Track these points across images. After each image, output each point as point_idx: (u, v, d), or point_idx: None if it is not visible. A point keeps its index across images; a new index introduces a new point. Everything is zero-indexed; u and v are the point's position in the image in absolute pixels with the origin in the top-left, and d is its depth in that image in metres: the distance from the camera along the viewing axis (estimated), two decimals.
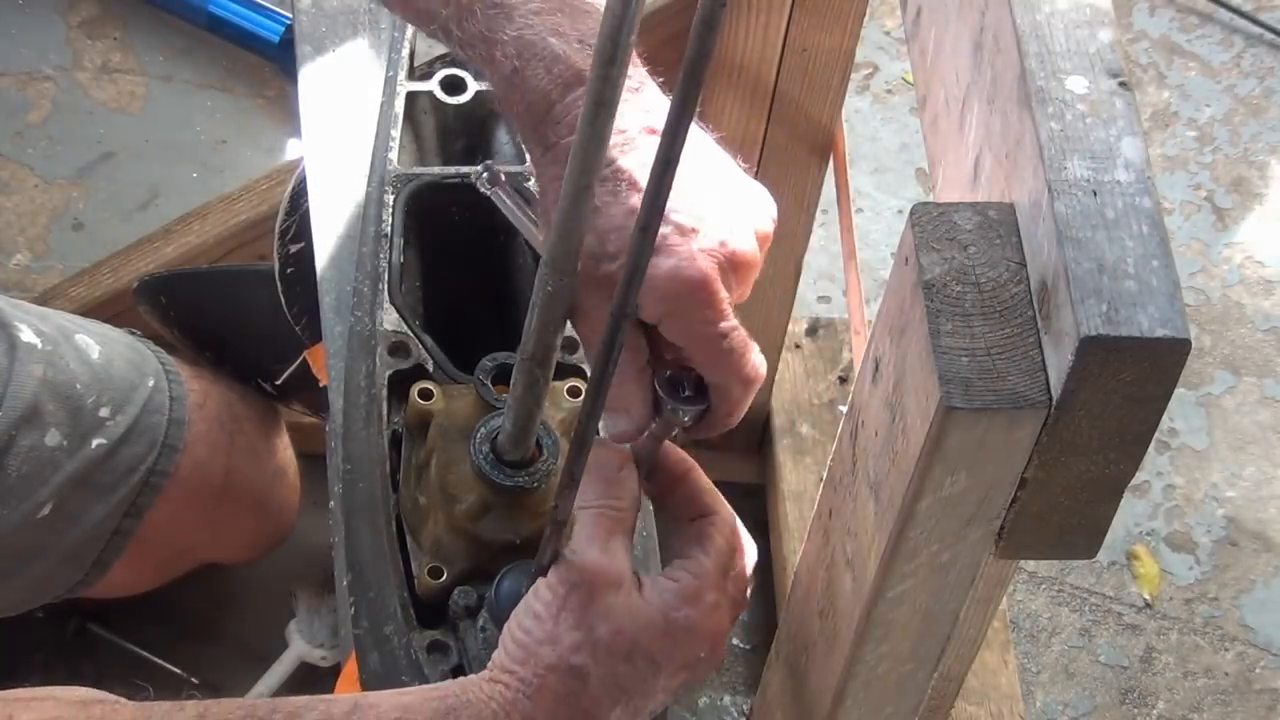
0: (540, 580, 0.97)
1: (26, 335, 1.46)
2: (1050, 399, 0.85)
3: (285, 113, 2.36)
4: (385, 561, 1.09)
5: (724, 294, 0.94)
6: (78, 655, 1.90)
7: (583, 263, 0.91)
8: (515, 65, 0.96)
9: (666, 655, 0.94)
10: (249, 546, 1.82)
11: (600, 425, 0.94)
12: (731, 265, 0.94)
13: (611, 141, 0.86)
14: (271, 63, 2.39)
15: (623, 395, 0.96)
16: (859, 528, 1.02)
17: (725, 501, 1.02)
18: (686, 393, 0.97)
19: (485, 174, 1.06)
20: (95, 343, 1.53)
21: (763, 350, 0.98)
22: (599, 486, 0.97)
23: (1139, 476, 2.09)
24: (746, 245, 0.95)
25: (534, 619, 0.95)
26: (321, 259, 1.25)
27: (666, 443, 1.02)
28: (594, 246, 0.93)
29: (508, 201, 1.06)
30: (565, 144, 0.95)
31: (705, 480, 1.02)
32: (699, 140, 0.98)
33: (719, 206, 0.95)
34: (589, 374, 0.97)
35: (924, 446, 0.88)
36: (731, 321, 0.94)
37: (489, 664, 0.96)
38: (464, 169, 1.26)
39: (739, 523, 1.02)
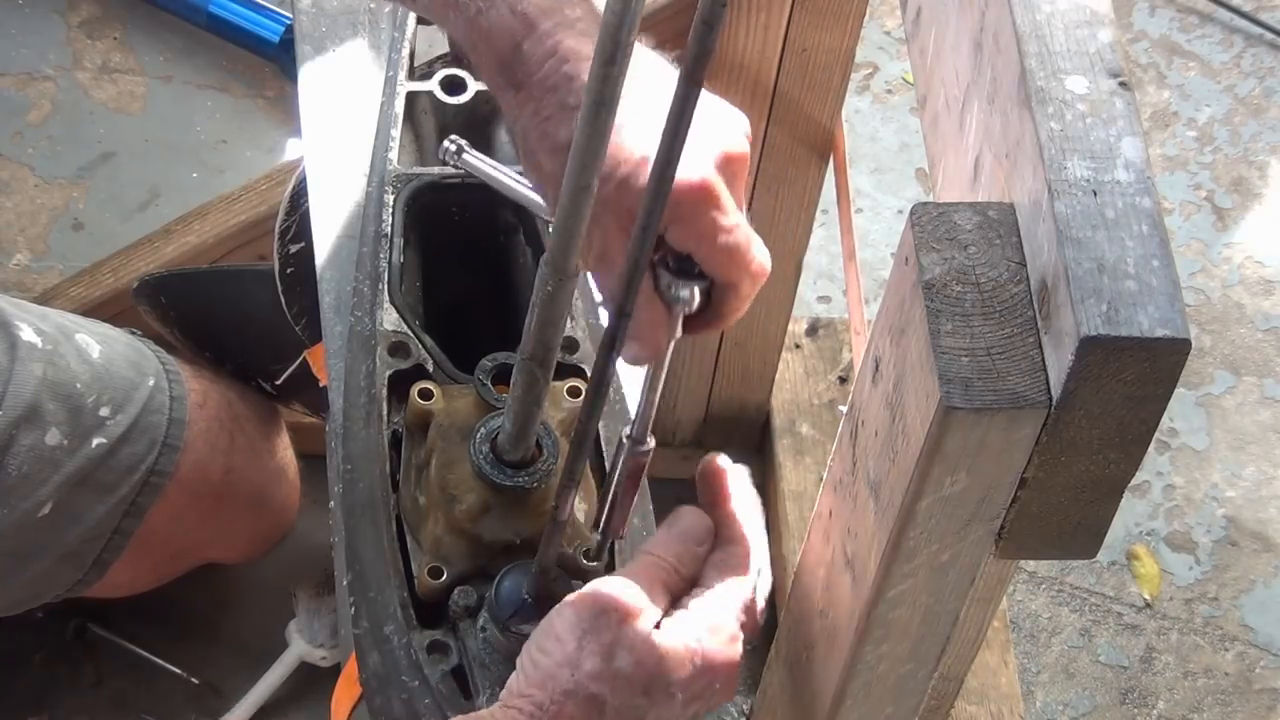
0: (565, 602, 0.96)
1: (27, 334, 1.46)
2: (1050, 399, 0.85)
3: (285, 113, 2.36)
4: (385, 561, 1.09)
5: (725, 192, 0.94)
6: (78, 656, 1.90)
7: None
8: (479, 6, 0.96)
9: (684, 687, 0.94)
10: (249, 546, 1.82)
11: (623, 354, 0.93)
12: (726, 164, 0.94)
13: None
14: (271, 63, 2.39)
15: (642, 321, 0.94)
16: (859, 528, 1.02)
17: (756, 528, 1.02)
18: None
19: (451, 147, 1.06)
20: (95, 342, 1.53)
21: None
22: (675, 549, 0.99)
23: (1139, 476, 2.09)
24: (738, 144, 0.95)
25: (555, 641, 0.94)
26: (321, 259, 1.25)
27: (713, 467, 1.03)
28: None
29: (482, 167, 1.07)
30: (537, 80, 0.95)
31: (742, 506, 1.03)
32: (669, 73, 0.98)
33: (702, 120, 0.94)
34: (589, 374, 0.97)
35: (924, 446, 0.88)
36: (734, 219, 0.94)
37: (503, 692, 0.96)
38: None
39: (764, 551, 1.02)
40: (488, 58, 0.97)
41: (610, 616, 0.94)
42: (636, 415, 0.97)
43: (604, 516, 1.01)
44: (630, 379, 1.20)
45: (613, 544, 1.09)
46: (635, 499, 1.00)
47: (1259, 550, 2.12)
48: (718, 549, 1.01)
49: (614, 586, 0.95)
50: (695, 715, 0.97)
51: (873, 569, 0.99)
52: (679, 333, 0.96)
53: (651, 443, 0.98)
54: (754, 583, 1.00)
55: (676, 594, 0.98)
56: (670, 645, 0.94)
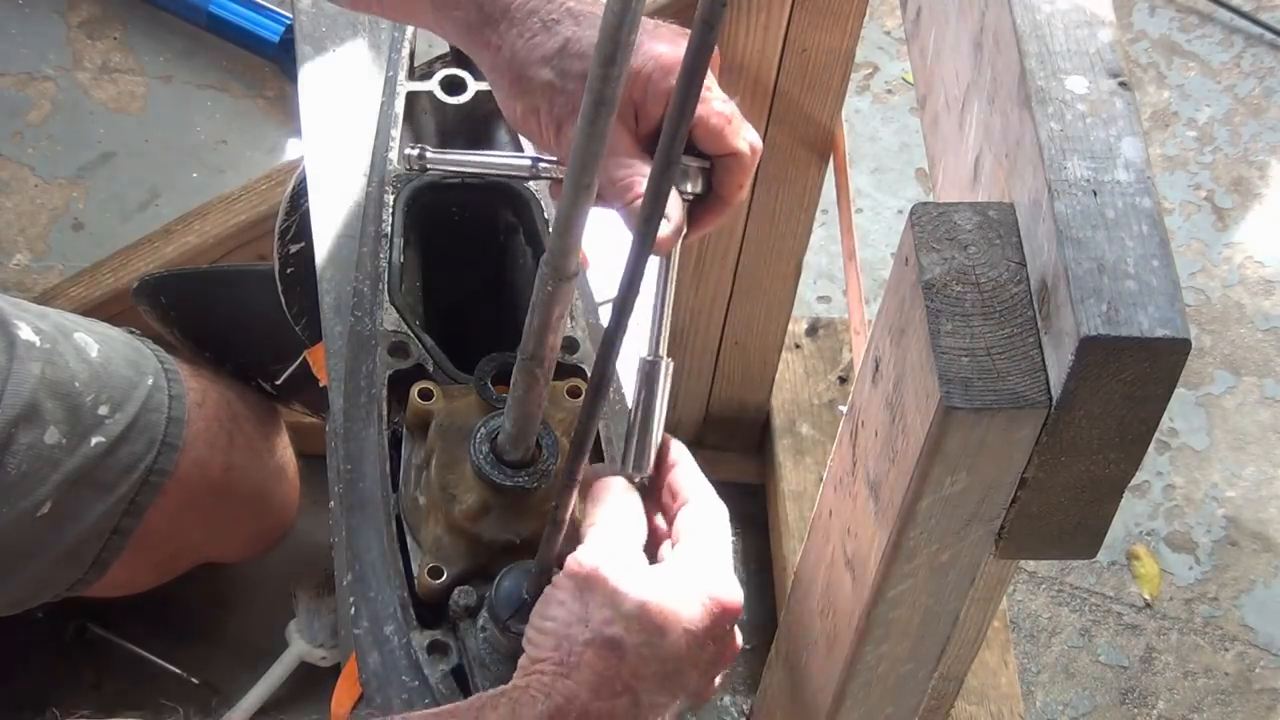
0: (556, 577, 0.97)
1: (25, 333, 1.46)
2: (1050, 399, 0.85)
3: (285, 113, 2.36)
4: (385, 561, 1.09)
5: (709, 71, 0.99)
6: (78, 656, 1.90)
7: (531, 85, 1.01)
8: None
9: (698, 624, 0.94)
10: (248, 545, 1.82)
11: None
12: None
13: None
14: (271, 63, 2.39)
15: (625, 166, 1.00)
16: (859, 528, 1.02)
17: (705, 486, 1.02)
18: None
19: (413, 153, 1.08)
20: (94, 341, 1.53)
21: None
22: (617, 515, 0.99)
23: (1139, 476, 2.09)
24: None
25: (557, 605, 0.95)
26: (321, 259, 1.25)
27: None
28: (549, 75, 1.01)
29: (451, 158, 1.10)
30: (516, 6, 1.02)
31: (692, 468, 1.03)
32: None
33: (670, 29, 1.04)
34: (589, 374, 0.97)
35: (924, 446, 0.88)
36: (722, 97, 1.02)
37: (516, 670, 0.96)
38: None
39: (722, 508, 1.02)
40: (465, 3, 1.03)
41: (604, 569, 0.94)
42: (655, 325, 1.00)
43: (633, 450, 1.00)
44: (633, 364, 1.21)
45: None
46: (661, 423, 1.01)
47: (1259, 550, 2.12)
48: (681, 509, 1.01)
49: (596, 547, 0.96)
50: (719, 662, 0.97)
51: (873, 569, 0.99)
52: (685, 227, 1.01)
53: (669, 360, 1.01)
54: (728, 532, 1.00)
55: (640, 541, 0.99)
56: (673, 583, 0.95)
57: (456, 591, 1.06)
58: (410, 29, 1.33)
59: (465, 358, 1.15)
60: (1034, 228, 0.88)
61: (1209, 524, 2.13)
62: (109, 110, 2.36)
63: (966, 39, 1.01)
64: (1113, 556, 2.10)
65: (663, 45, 1.02)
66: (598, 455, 1.14)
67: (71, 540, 1.52)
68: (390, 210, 1.22)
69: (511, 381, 0.98)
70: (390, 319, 1.17)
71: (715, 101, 1.01)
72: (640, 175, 0.99)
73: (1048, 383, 0.85)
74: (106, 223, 2.25)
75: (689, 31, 0.80)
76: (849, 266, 1.69)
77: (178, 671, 1.89)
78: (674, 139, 0.76)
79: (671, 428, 2.09)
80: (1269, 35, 2.57)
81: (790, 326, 1.97)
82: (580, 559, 0.96)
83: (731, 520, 1.01)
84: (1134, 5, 2.60)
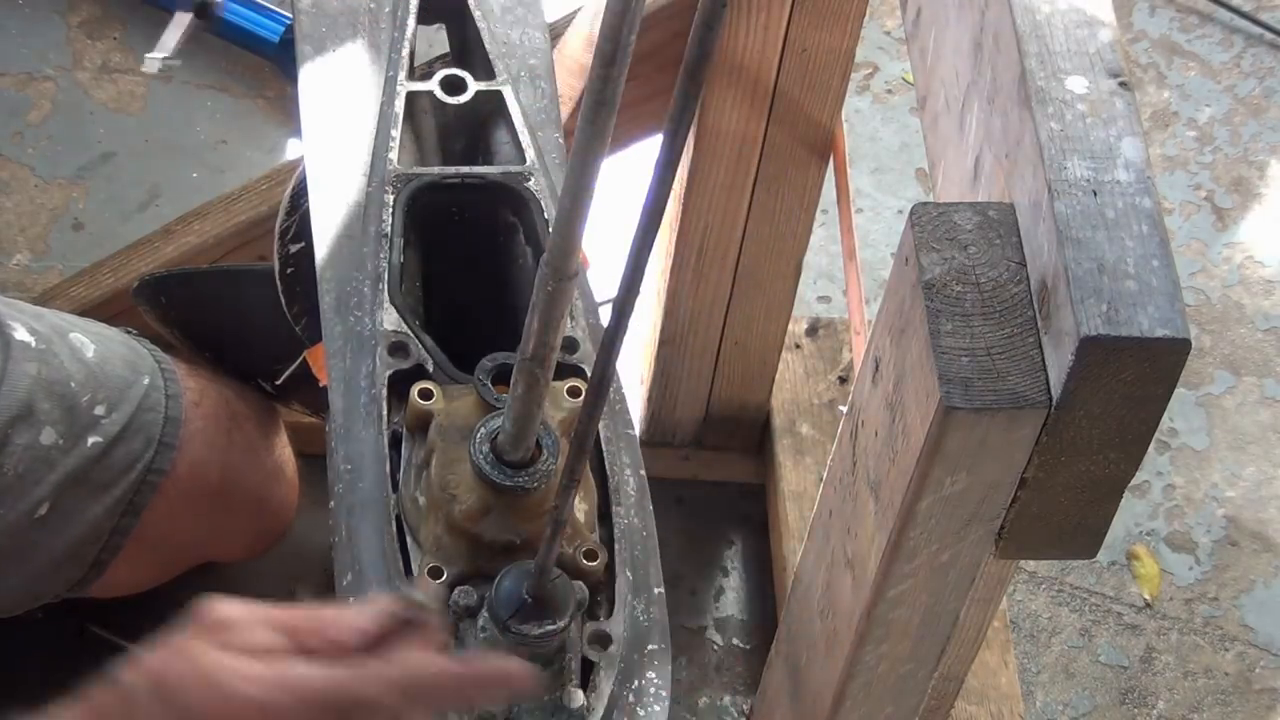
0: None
1: (21, 334, 1.46)
2: (1050, 399, 0.85)
3: (285, 113, 2.36)
4: (385, 561, 1.09)
5: None
6: (78, 656, 1.90)
7: None
8: None
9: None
10: (247, 545, 1.81)
11: None
12: None
13: None
14: (271, 63, 2.39)
15: None
16: (859, 528, 1.02)
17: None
18: None
19: None
20: (90, 341, 1.53)
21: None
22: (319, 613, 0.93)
23: (1139, 476, 2.09)
24: None
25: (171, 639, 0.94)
26: (321, 259, 1.25)
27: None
28: None
29: None
30: None
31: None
32: None
33: None
34: (589, 374, 0.97)
35: (924, 446, 0.88)
36: None
37: None
38: (464, 169, 1.26)
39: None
40: None
41: (204, 617, 0.96)
42: None
43: None
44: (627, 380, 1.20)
45: (613, 544, 1.09)
46: None
47: (1259, 550, 2.12)
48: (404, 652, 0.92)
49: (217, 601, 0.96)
50: None
51: (873, 569, 0.99)
52: None
53: None
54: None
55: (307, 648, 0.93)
56: (260, 668, 0.93)
57: (456, 591, 1.06)
58: (410, 28, 1.33)
59: (465, 358, 1.15)
60: (1034, 228, 0.88)
61: (1209, 524, 2.13)
62: (109, 110, 2.36)
63: (966, 39, 1.01)
64: (1113, 556, 2.10)
65: None
66: (598, 455, 1.14)
67: (70, 541, 1.52)
68: (390, 210, 1.22)
69: (511, 381, 0.98)
70: (390, 319, 1.17)
71: None
72: None
73: (1048, 383, 0.85)
74: (106, 223, 2.25)
75: None
76: (849, 266, 1.69)
77: None
78: (675, 135, 0.76)
79: (672, 428, 2.10)
80: (1269, 35, 2.57)
81: (790, 326, 1.97)
82: (215, 604, 0.95)
83: (732, 520, 1.00)
84: (1134, 5, 2.60)
